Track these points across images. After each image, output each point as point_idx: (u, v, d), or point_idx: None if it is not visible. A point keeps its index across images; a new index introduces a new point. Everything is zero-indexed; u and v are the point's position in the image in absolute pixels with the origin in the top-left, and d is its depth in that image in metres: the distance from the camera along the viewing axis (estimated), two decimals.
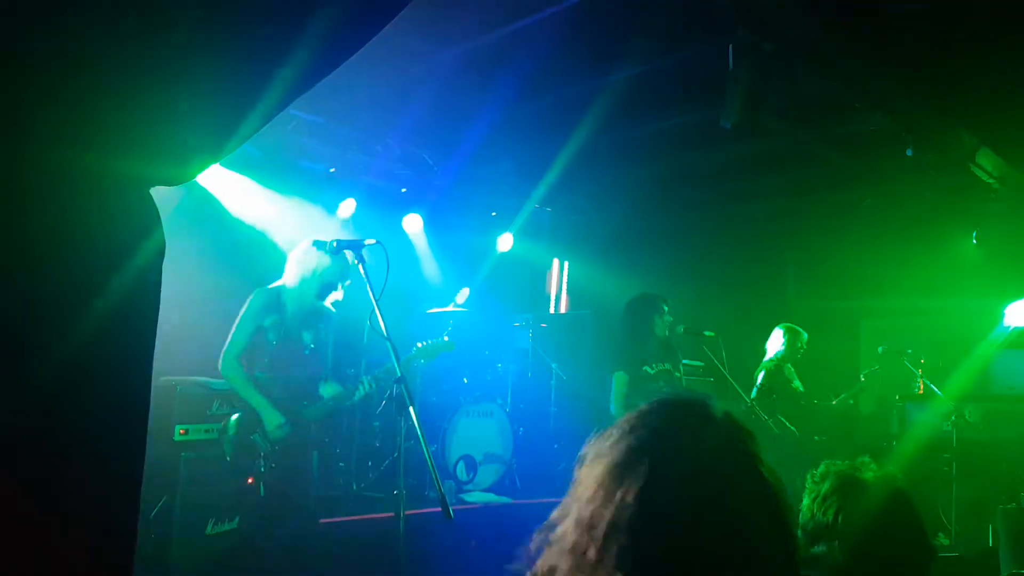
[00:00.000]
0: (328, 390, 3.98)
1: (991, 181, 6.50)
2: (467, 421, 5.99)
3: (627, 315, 4.91)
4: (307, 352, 3.89)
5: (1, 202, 0.80)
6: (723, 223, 8.39)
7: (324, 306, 3.96)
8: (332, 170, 6.54)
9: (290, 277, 3.83)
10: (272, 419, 3.74)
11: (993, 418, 6.63)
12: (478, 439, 6.00)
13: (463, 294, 7.24)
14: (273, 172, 6.10)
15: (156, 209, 0.99)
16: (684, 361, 5.53)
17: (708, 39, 5.02)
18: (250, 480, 3.77)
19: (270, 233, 6.01)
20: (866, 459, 1.85)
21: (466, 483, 5.88)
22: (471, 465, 5.94)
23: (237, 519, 4.45)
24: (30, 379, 0.82)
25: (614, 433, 1.01)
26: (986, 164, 6.32)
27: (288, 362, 3.85)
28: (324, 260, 3.74)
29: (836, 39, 4.66)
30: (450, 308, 6.43)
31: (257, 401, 3.74)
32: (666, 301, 4.83)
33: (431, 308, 6.65)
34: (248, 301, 3.79)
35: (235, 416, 3.77)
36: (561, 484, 1.14)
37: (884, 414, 8.14)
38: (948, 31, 4.69)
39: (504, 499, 5.70)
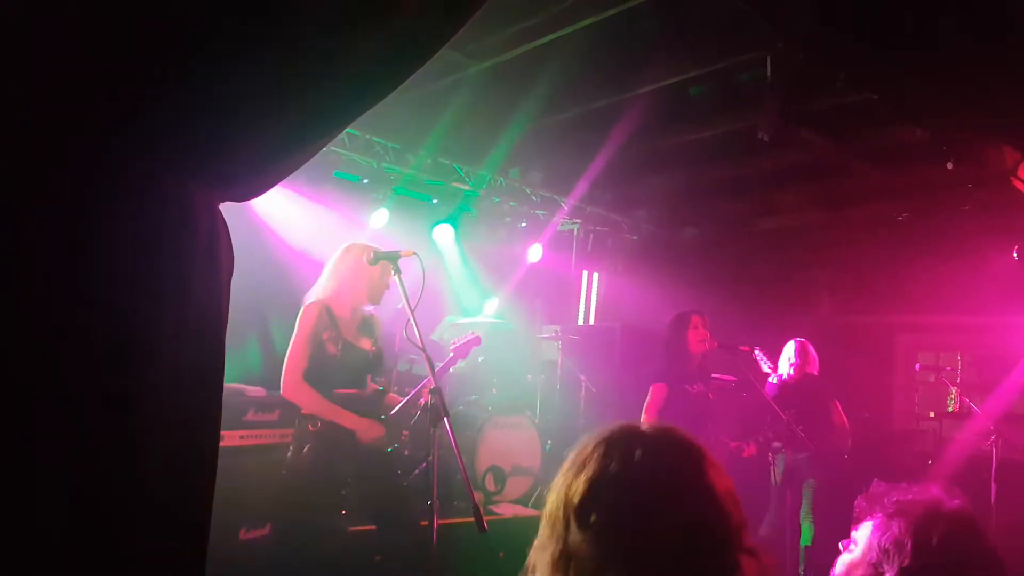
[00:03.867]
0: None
1: None
2: (496, 432, 5.97)
3: (667, 334, 4.88)
4: (371, 358, 3.79)
5: (91, 206, 0.80)
6: (755, 236, 8.31)
7: (372, 313, 3.91)
8: (364, 180, 6.58)
9: (336, 286, 3.71)
10: (366, 429, 3.61)
11: None
12: (507, 450, 5.96)
13: (492, 305, 7.24)
14: (306, 182, 6.15)
15: (226, 224, 0.99)
16: (714, 375, 5.44)
17: (744, 50, 5.00)
18: (344, 512, 3.69)
19: (301, 242, 6.06)
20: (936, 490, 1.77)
21: (494, 494, 5.84)
22: (499, 476, 5.90)
23: (269, 525, 4.47)
24: (130, 384, 0.82)
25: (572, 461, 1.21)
26: None
27: (355, 372, 3.73)
28: (367, 267, 3.67)
29: (874, 50, 4.60)
30: (480, 319, 6.42)
31: (343, 416, 3.58)
32: (701, 315, 4.77)
33: (460, 319, 6.64)
34: (300, 319, 3.63)
35: (303, 449, 3.62)
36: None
37: (918, 431, 8.00)
38: (989, 42, 4.61)
39: (533, 511, 5.66)
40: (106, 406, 0.79)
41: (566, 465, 1.21)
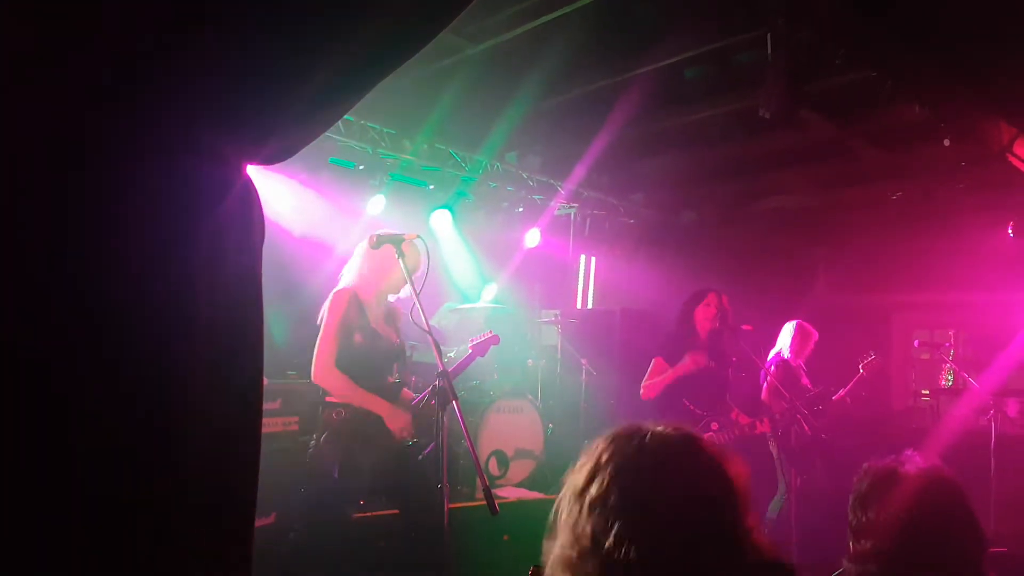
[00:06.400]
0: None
1: None
2: (498, 417, 5.97)
3: (679, 307, 4.87)
4: (396, 348, 3.76)
5: (123, 168, 0.78)
6: (752, 218, 8.32)
7: (395, 303, 3.88)
8: (360, 167, 6.53)
9: (364, 274, 3.67)
10: (394, 416, 3.59)
11: None
12: (510, 435, 5.96)
13: (490, 290, 7.23)
14: (302, 169, 6.11)
15: (256, 187, 0.96)
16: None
17: (743, 30, 4.98)
18: (362, 502, 3.68)
19: (298, 230, 6.02)
20: (909, 453, 1.81)
21: (498, 478, 5.85)
22: (503, 460, 5.91)
23: (274, 515, 4.46)
24: (168, 361, 0.80)
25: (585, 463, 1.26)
26: None
27: (380, 362, 3.70)
28: (389, 254, 3.61)
29: (875, 26, 4.59)
30: (479, 305, 6.40)
31: (378, 404, 3.56)
32: (718, 294, 4.75)
33: (459, 304, 6.62)
34: (330, 305, 3.59)
35: (320, 437, 3.59)
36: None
37: (915, 408, 8.06)
38: (988, 18, 4.61)
39: (537, 494, 5.67)
40: (145, 380, 0.77)
41: (580, 462, 1.27)
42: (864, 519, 1.68)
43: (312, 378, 3.58)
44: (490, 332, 4.52)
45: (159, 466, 0.81)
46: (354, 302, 3.61)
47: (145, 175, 0.81)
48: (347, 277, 3.72)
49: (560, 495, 1.28)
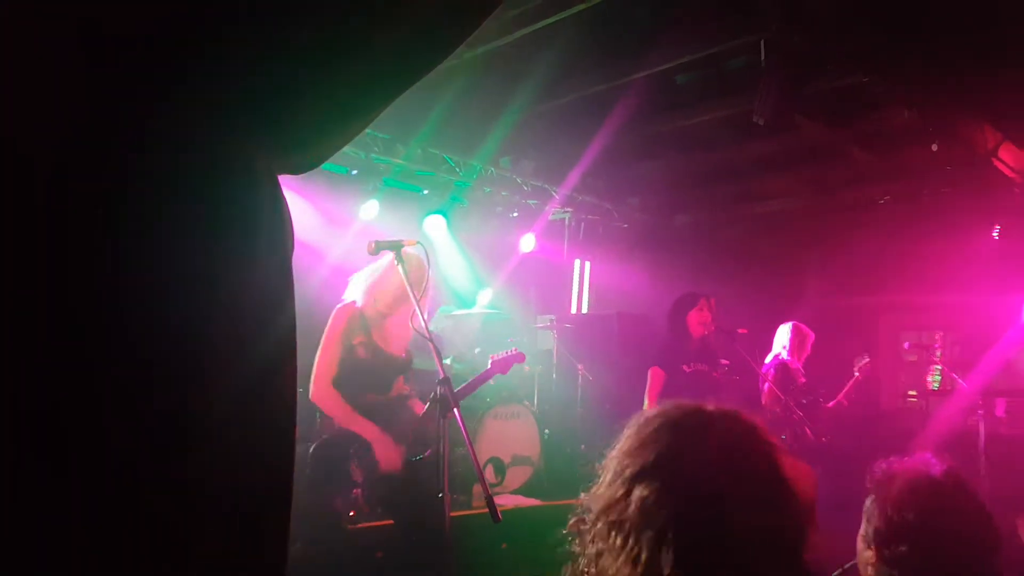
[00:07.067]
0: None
1: (1013, 176, 6.50)
2: (495, 423, 5.97)
3: (669, 313, 4.88)
4: (402, 362, 3.71)
5: (153, 174, 0.77)
6: (744, 221, 8.38)
7: (403, 313, 3.83)
8: (353, 172, 6.53)
9: (368, 288, 3.62)
10: (386, 451, 3.50)
11: (1018, 413, 6.62)
12: (506, 441, 5.96)
13: (485, 295, 7.23)
14: (295, 175, 6.07)
15: (284, 196, 0.95)
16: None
17: (736, 36, 5.02)
18: (352, 513, 3.53)
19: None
20: (927, 456, 1.84)
21: (495, 485, 5.85)
22: (500, 467, 5.91)
23: None
24: (221, 381, 0.80)
25: (628, 444, 1.13)
26: (1008, 159, 6.31)
27: (383, 377, 3.65)
28: (396, 268, 3.57)
29: (866, 32, 4.65)
30: (475, 310, 6.41)
31: (370, 431, 3.47)
32: (708, 299, 4.79)
33: (455, 310, 6.63)
34: (331, 321, 3.53)
35: (311, 447, 3.53)
36: (590, 486, 1.17)
37: (904, 409, 8.14)
38: (976, 27, 4.69)
39: (534, 501, 5.67)
40: (175, 394, 0.77)
41: (626, 442, 1.14)
42: (898, 523, 1.67)
43: (310, 396, 3.52)
44: (515, 349, 4.37)
45: (200, 473, 0.81)
46: (356, 317, 3.57)
47: (183, 181, 0.81)
48: (352, 291, 3.67)
49: (604, 465, 1.14)
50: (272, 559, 0.88)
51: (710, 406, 1.17)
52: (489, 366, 4.34)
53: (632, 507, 1.05)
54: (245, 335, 0.84)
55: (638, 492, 1.05)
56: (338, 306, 3.61)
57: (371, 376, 3.61)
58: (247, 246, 0.86)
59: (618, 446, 1.14)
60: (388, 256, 3.59)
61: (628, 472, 1.09)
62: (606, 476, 1.12)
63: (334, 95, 0.94)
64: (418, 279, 3.49)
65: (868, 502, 1.78)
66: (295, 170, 1.04)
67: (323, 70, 0.89)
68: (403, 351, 3.74)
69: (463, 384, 3.94)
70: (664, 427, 1.13)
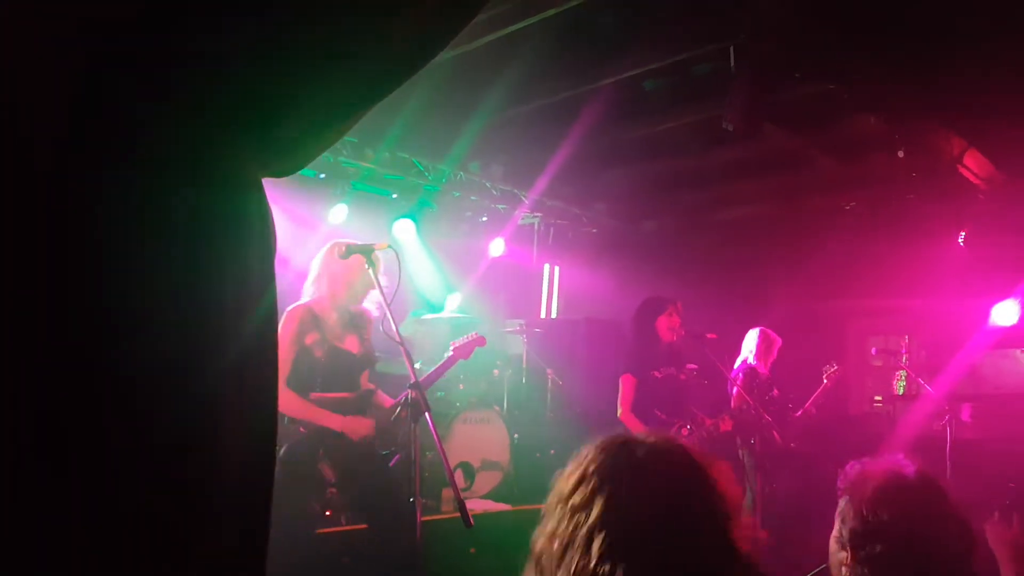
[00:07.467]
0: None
1: (978, 183, 6.61)
2: (465, 428, 5.92)
3: (636, 318, 4.87)
4: (359, 359, 3.67)
5: (138, 179, 0.74)
6: (712, 228, 8.43)
7: (361, 310, 3.79)
8: (321, 176, 6.46)
9: (320, 287, 3.59)
10: (354, 428, 3.50)
11: (984, 418, 6.71)
12: (476, 446, 5.92)
13: (454, 300, 7.19)
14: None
15: (267, 201, 0.94)
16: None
17: (705, 42, 5.04)
18: (328, 513, 3.58)
19: None
20: (898, 456, 1.84)
21: (464, 490, 5.80)
22: (469, 472, 5.87)
23: None
24: (194, 385, 0.77)
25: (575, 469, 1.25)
26: (973, 166, 6.42)
27: (342, 375, 3.61)
28: (348, 263, 3.55)
29: (834, 39, 4.70)
30: (445, 314, 6.36)
31: (332, 420, 3.47)
32: (675, 304, 4.79)
33: (425, 314, 6.57)
34: (283, 323, 3.48)
35: (282, 450, 3.46)
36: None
37: (871, 414, 8.22)
38: (941, 35, 4.76)
39: (503, 506, 5.63)
40: (172, 398, 0.74)
41: (568, 470, 1.27)
42: (874, 523, 1.66)
43: None
44: (475, 333, 4.41)
45: (183, 477, 0.78)
46: (308, 318, 3.53)
47: (165, 184, 0.79)
48: (305, 292, 3.64)
49: (546, 503, 1.26)
50: (263, 554, 0.86)
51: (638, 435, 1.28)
52: (451, 353, 4.32)
53: (579, 539, 1.16)
54: (233, 336, 0.82)
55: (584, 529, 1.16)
56: (288, 308, 3.56)
57: (332, 375, 3.57)
58: (238, 250, 0.85)
59: (557, 489, 1.25)
60: (334, 250, 3.58)
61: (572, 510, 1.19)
62: (549, 522, 1.22)
63: (321, 100, 0.92)
64: (391, 282, 3.47)
65: (842, 503, 1.77)
66: (279, 174, 1.03)
67: (313, 76, 0.88)
68: (358, 348, 3.68)
69: (425, 375, 3.94)
70: (602, 467, 1.23)
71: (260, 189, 0.89)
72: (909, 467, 1.72)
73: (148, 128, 0.76)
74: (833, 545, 1.77)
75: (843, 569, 1.68)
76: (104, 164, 0.73)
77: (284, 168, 0.98)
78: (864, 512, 1.66)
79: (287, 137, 0.92)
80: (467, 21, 0.98)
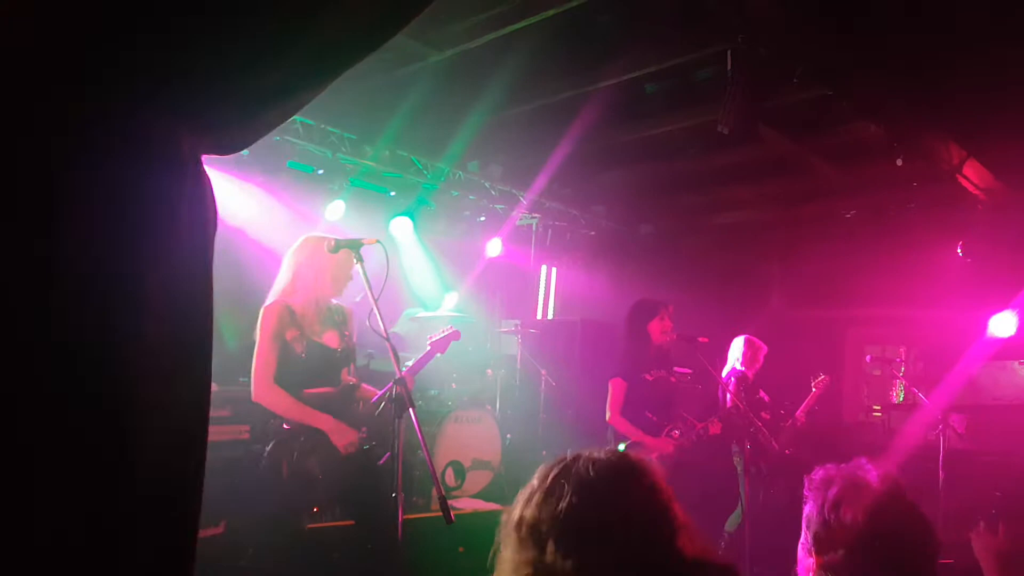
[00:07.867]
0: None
1: (977, 193, 6.59)
2: (456, 427, 5.91)
3: (628, 321, 4.86)
4: (339, 354, 3.64)
5: (71, 152, 0.74)
6: (710, 232, 8.42)
7: (340, 305, 3.77)
8: (319, 171, 6.46)
9: (296, 282, 3.55)
10: (341, 433, 3.48)
11: (978, 429, 6.68)
12: (467, 445, 5.91)
13: (451, 299, 7.18)
14: (259, 172, 6.01)
15: (209, 177, 0.92)
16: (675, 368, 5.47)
17: (703, 46, 5.03)
18: (315, 509, 3.58)
19: (253, 234, 5.91)
20: (862, 461, 1.83)
21: (454, 489, 5.79)
22: (459, 471, 5.85)
23: (223, 523, 4.34)
24: (112, 362, 0.76)
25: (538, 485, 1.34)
26: (973, 176, 6.40)
27: (323, 371, 3.59)
28: (327, 257, 3.54)
29: (832, 46, 4.68)
30: (440, 313, 6.35)
31: (321, 420, 3.45)
32: (667, 307, 4.78)
33: (420, 313, 6.57)
34: (261, 321, 3.46)
35: (268, 447, 3.48)
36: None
37: (867, 424, 8.19)
38: (941, 43, 4.74)
39: (493, 506, 5.62)
40: (97, 369, 0.73)
41: (529, 489, 1.35)
42: (836, 527, 1.66)
43: (252, 397, 3.46)
44: (451, 327, 4.42)
45: (108, 461, 0.77)
46: (286, 314, 3.49)
47: (97, 162, 0.78)
48: (277, 287, 3.57)
49: (499, 533, 1.35)
50: (193, 542, 0.85)
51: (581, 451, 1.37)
52: (428, 348, 4.33)
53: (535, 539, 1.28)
54: (164, 316, 0.81)
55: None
56: (265, 305, 3.53)
57: (313, 371, 3.55)
58: (168, 225, 0.83)
59: (519, 507, 1.33)
60: (309, 244, 3.57)
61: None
62: (512, 539, 1.32)
63: (265, 78, 0.90)
64: (378, 278, 3.45)
65: (807, 509, 1.76)
66: (224, 151, 1.01)
67: (257, 53, 0.86)
68: (338, 343, 3.66)
69: (406, 368, 3.93)
70: (541, 474, 1.35)
71: (198, 164, 0.88)
72: (872, 471, 1.71)
73: (79, 104, 0.75)
74: (800, 552, 1.76)
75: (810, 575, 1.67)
76: (38, 140, 0.72)
77: (227, 146, 0.96)
78: (827, 515, 1.65)
79: (230, 113, 0.90)
80: (419, 11, 0.97)
